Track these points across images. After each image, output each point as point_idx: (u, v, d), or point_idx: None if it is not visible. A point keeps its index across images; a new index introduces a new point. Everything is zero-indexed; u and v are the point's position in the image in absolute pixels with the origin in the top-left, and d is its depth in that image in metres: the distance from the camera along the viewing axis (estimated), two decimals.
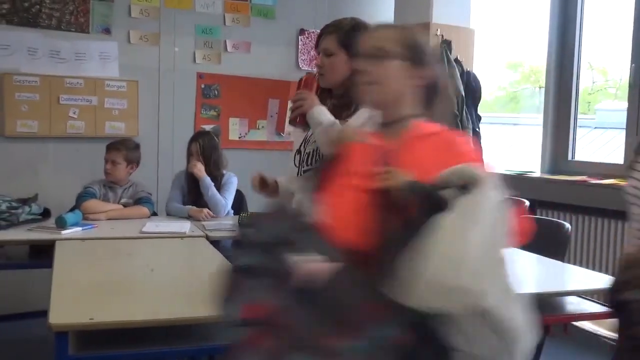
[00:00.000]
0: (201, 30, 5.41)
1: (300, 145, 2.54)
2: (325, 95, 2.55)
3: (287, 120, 2.53)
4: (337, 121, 2.33)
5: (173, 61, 5.31)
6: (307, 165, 2.46)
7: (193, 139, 4.38)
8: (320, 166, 2.32)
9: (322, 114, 2.36)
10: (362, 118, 2.35)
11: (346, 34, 2.41)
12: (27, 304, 4.61)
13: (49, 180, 4.89)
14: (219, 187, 4.24)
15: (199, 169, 4.23)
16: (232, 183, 4.34)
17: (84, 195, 3.98)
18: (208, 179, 4.20)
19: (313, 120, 2.37)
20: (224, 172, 4.36)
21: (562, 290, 2.93)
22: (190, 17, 5.35)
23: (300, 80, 2.51)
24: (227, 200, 4.23)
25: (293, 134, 2.67)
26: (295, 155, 2.54)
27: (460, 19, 5.44)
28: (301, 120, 2.43)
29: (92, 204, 3.95)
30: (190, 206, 4.17)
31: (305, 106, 2.39)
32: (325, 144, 2.33)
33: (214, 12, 5.44)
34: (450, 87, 5.14)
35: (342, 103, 2.43)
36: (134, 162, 4.20)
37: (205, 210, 4.11)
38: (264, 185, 2.61)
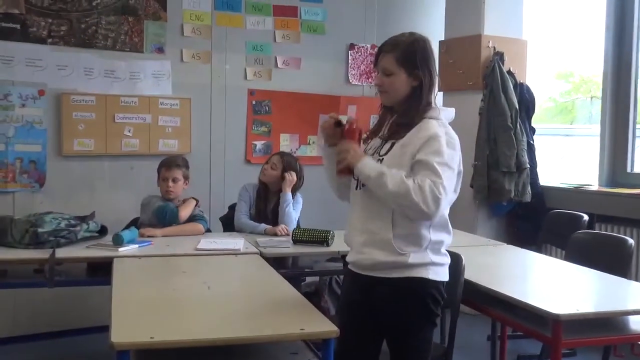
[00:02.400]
0: (252, 47, 5.43)
1: None
2: (386, 111, 2.51)
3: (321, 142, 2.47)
4: (386, 171, 2.27)
5: (224, 78, 5.35)
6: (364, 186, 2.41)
7: (279, 154, 4.40)
8: None
9: (368, 166, 2.30)
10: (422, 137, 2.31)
11: (404, 52, 2.35)
12: (85, 320, 4.68)
13: (104, 198, 4.95)
14: None
15: (291, 181, 4.24)
16: (300, 203, 4.33)
17: (169, 207, 4.01)
18: (290, 195, 4.21)
19: (362, 175, 2.32)
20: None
21: (628, 310, 2.80)
22: (241, 35, 5.38)
23: (342, 127, 2.42)
24: (295, 217, 4.23)
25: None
26: (353, 179, 2.49)
27: (512, 30, 5.36)
28: (348, 172, 2.38)
29: (184, 211, 4.07)
30: (265, 225, 4.15)
31: (350, 159, 2.34)
32: (381, 197, 2.30)
33: (265, 29, 5.46)
34: (503, 100, 5.06)
35: (404, 122, 2.38)
36: (188, 178, 4.21)
37: (281, 226, 4.10)
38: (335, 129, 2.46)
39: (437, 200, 2.21)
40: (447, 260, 2.45)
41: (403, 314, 2.37)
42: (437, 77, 2.41)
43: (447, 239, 2.42)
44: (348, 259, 2.52)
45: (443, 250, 2.42)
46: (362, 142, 2.46)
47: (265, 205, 4.30)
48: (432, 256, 2.36)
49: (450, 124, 2.43)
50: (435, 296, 2.38)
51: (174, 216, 3.99)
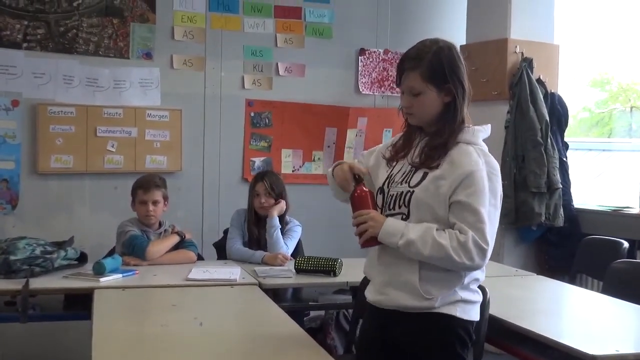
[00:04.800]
0: (250, 53, 5.47)
1: (384, 183, 2.46)
2: (413, 130, 2.45)
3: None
4: (415, 238, 2.23)
5: (220, 87, 5.38)
6: (391, 209, 2.40)
7: (259, 178, 4.34)
8: None
9: (392, 235, 2.28)
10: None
11: (430, 66, 2.30)
12: (61, 358, 4.67)
13: (85, 220, 4.97)
14: (282, 232, 4.23)
15: (279, 209, 4.24)
16: (297, 232, 4.32)
17: (139, 239, 3.97)
18: (277, 220, 4.21)
19: (388, 240, 2.30)
20: (289, 218, 4.35)
21: None
22: (239, 39, 5.43)
23: (353, 194, 2.40)
24: (288, 246, 4.21)
25: (372, 168, 2.57)
26: (377, 194, 2.48)
27: (542, 33, 5.37)
28: (373, 242, 2.37)
29: (155, 247, 3.96)
30: (262, 252, 4.15)
31: (373, 228, 2.32)
32: (413, 255, 2.28)
33: (265, 32, 5.51)
34: (532, 112, 5.07)
35: (436, 143, 2.34)
36: (167, 199, 4.21)
37: (281, 255, 4.10)
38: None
39: (483, 253, 2.21)
40: (479, 297, 2.43)
41: (423, 355, 2.36)
42: (469, 88, 2.38)
43: (481, 275, 2.41)
44: (367, 294, 2.51)
45: (474, 286, 2.39)
46: (376, 203, 2.42)
47: (259, 231, 4.30)
48: (461, 293, 2.34)
49: None
50: (462, 337, 2.35)
51: (140, 252, 3.91)
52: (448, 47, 2.34)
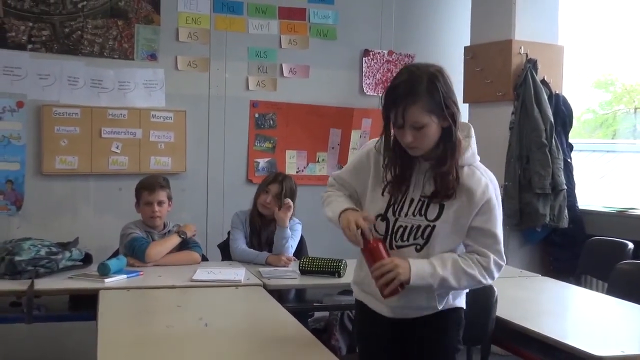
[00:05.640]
0: (255, 54, 5.47)
1: (386, 212, 2.44)
2: (409, 159, 2.41)
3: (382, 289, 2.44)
4: (447, 275, 2.30)
5: (224, 88, 5.39)
6: (404, 241, 2.41)
7: (277, 180, 4.32)
8: None
9: (423, 277, 2.30)
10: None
11: (430, 96, 2.23)
12: (66, 359, 4.67)
13: (89, 221, 4.98)
14: None
15: (289, 215, 4.22)
16: (298, 230, 4.32)
17: (139, 241, 3.98)
18: (288, 231, 4.19)
19: (421, 283, 2.31)
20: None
21: None
22: (243, 40, 5.43)
23: (366, 248, 2.38)
24: (292, 248, 4.22)
25: (358, 187, 2.57)
26: (379, 221, 2.47)
27: (546, 34, 5.37)
28: (401, 288, 2.34)
29: (155, 249, 3.96)
30: (267, 253, 4.15)
31: (402, 275, 2.29)
32: (446, 289, 2.40)
33: (269, 34, 5.51)
34: (537, 113, 5.06)
35: (445, 173, 2.31)
36: (171, 199, 4.20)
37: (285, 256, 4.09)
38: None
39: (500, 268, 2.40)
40: None
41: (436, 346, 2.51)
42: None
43: None
44: (370, 305, 2.56)
45: None
46: (387, 248, 2.41)
47: (260, 236, 4.30)
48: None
49: (477, 139, 2.43)
50: (461, 322, 2.56)
51: (140, 254, 3.90)
52: (439, 71, 2.30)
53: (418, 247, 2.37)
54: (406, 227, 2.39)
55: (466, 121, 2.53)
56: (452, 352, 2.52)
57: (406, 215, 2.40)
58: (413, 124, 2.26)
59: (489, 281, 2.39)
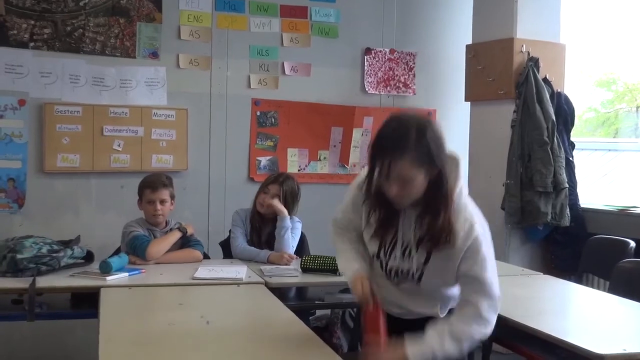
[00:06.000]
0: (256, 52, 5.47)
1: (379, 252, 2.44)
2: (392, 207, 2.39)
3: None
4: (437, 348, 2.26)
5: (226, 87, 5.38)
6: (399, 278, 2.43)
7: (278, 181, 4.31)
8: None
9: (421, 354, 2.26)
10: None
11: (418, 152, 2.16)
12: (68, 358, 4.68)
13: (91, 220, 4.98)
14: None
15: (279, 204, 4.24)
16: (298, 228, 4.32)
17: (140, 239, 3.97)
18: (288, 220, 4.20)
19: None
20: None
21: None
22: (245, 38, 5.43)
23: (366, 313, 2.39)
24: (293, 247, 4.23)
25: (365, 233, 2.52)
26: (374, 259, 2.49)
27: (548, 32, 5.36)
28: None
29: (156, 247, 3.95)
30: (268, 251, 4.16)
31: None
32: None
33: (271, 32, 5.51)
34: (539, 112, 5.06)
35: (436, 224, 2.27)
36: (174, 197, 4.20)
37: (287, 254, 4.10)
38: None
39: (496, 309, 2.35)
40: None
41: None
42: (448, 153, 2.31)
43: None
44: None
45: None
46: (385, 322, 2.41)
47: (260, 235, 4.30)
48: None
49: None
50: None
51: (141, 252, 3.90)
52: (428, 122, 2.24)
53: (415, 282, 2.39)
54: (397, 269, 2.41)
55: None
56: None
57: (395, 258, 2.40)
58: (402, 177, 2.20)
59: (489, 330, 2.33)
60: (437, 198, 2.25)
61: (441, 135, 2.23)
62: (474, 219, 2.30)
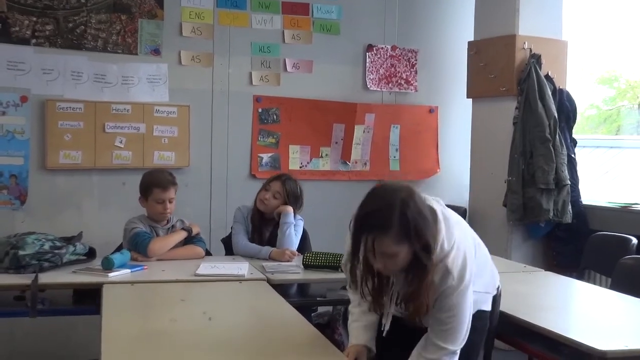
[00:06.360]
0: (258, 49, 5.47)
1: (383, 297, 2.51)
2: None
3: None
4: None
5: (227, 83, 5.38)
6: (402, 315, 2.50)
7: (280, 180, 4.32)
8: None
9: None
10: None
11: (401, 229, 2.20)
12: (70, 354, 4.69)
13: (93, 216, 4.99)
14: None
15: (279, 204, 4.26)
16: (300, 226, 4.32)
17: (141, 236, 3.97)
18: (292, 216, 4.21)
19: None
20: None
21: None
22: (246, 35, 5.43)
23: None
24: (295, 243, 4.23)
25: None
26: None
27: (550, 29, 5.35)
28: None
29: (158, 244, 3.96)
30: (270, 247, 4.16)
31: None
32: None
33: (272, 29, 5.51)
34: (541, 108, 5.06)
35: (416, 302, 2.33)
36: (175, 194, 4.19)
37: (288, 251, 4.10)
38: None
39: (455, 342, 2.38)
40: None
41: None
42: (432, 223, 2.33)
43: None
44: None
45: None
46: None
47: (261, 234, 4.31)
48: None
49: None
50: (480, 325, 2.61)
51: (143, 249, 3.90)
52: (410, 197, 2.25)
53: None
54: (396, 313, 2.49)
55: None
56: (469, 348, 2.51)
57: (395, 305, 2.47)
58: (384, 254, 2.24)
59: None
60: (417, 276, 2.28)
61: (422, 207, 2.26)
62: (448, 270, 2.32)
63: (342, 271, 3.70)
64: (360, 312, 2.57)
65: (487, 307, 2.69)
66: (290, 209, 4.22)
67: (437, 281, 2.30)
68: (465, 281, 2.33)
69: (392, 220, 2.19)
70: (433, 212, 2.32)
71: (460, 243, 2.37)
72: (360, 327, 2.56)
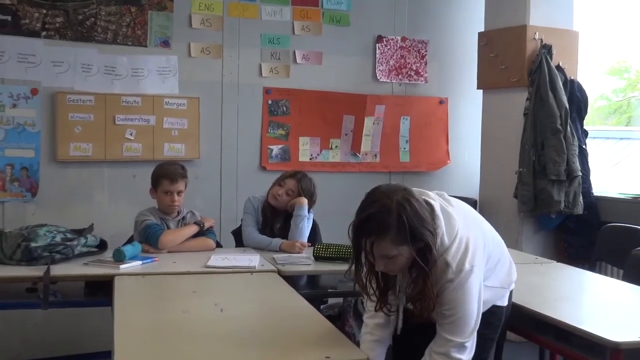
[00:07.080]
0: (267, 40, 5.45)
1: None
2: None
3: None
4: None
5: (237, 75, 5.37)
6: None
7: (296, 177, 4.31)
8: None
9: None
10: None
11: (399, 231, 2.21)
12: (82, 345, 4.71)
13: (104, 208, 4.99)
14: None
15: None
16: (310, 218, 4.33)
17: (152, 228, 3.97)
18: (306, 209, 4.22)
19: None
20: None
21: None
22: (256, 27, 5.41)
23: None
24: (305, 235, 4.24)
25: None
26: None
27: (561, 20, 5.33)
28: None
29: (169, 237, 3.97)
30: (280, 239, 4.16)
31: None
32: None
33: (282, 20, 5.49)
34: (552, 99, 5.03)
35: (422, 303, 2.33)
36: (186, 186, 4.19)
37: (299, 242, 4.10)
38: None
39: (464, 349, 2.34)
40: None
41: None
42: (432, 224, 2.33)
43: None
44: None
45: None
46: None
47: (272, 226, 4.31)
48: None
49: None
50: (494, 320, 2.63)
51: (154, 241, 3.91)
52: (406, 201, 2.25)
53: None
54: (405, 307, 2.49)
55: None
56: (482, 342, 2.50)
57: (402, 302, 2.48)
58: (384, 256, 2.27)
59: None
60: (420, 276, 2.28)
61: (420, 209, 2.26)
62: (452, 260, 2.32)
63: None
64: (374, 325, 2.57)
65: (503, 302, 2.67)
66: (305, 201, 4.22)
67: (437, 275, 2.31)
68: (463, 273, 2.32)
69: (390, 223, 2.21)
70: (431, 209, 2.33)
71: (463, 236, 2.36)
72: (372, 342, 2.55)
